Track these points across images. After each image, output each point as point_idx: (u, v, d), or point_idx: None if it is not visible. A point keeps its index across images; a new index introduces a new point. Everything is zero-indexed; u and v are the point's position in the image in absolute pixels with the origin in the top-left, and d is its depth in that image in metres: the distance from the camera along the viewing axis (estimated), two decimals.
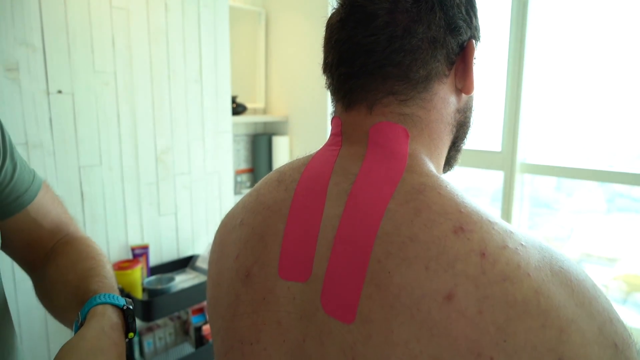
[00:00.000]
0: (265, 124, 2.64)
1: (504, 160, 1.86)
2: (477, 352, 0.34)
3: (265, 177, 0.54)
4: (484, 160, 1.93)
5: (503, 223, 0.40)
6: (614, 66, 1.62)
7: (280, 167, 0.54)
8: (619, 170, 1.59)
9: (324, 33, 0.51)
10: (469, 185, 2.28)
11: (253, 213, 0.50)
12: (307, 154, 0.53)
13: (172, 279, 1.54)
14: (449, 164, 0.54)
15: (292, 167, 0.51)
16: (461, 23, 0.47)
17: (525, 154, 1.85)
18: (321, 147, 0.52)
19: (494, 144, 1.91)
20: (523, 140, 1.83)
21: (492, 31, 1.89)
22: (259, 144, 2.55)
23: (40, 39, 1.36)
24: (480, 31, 0.51)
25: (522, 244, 0.38)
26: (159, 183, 1.69)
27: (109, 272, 0.61)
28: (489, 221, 0.39)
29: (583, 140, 1.90)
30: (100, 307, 0.53)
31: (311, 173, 0.48)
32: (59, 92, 1.41)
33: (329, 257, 0.42)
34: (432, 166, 0.47)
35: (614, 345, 0.35)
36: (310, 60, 2.38)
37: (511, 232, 0.39)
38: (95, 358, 0.47)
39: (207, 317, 0.59)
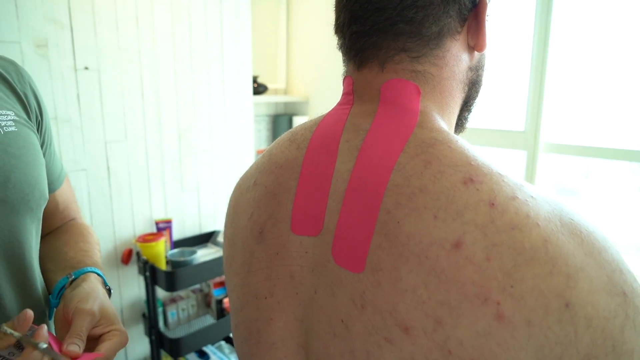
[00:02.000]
0: (286, 104, 2.65)
1: (527, 139, 1.83)
2: (484, 297, 0.35)
3: (277, 139, 0.55)
4: (507, 139, 1.90)
5: (514, 176, 0.40)
6: None
7: (293, 128, 0.55)
8: None
9: None
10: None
11: (266, 173, 0.51)
12: (321, 115, 0.54)
13: (194, 252, 1.58)
14: (460, 124, 0.54)
15: (304, 127, 0.52)
16: None
17: (548, 133, 1.81)
18: (333, 106, 0.52)
19: (518, 123, 1.88)
20: (546, 120, 1.79)
21: (517, 8, 1.84)
22: (280, 124, 2.56)
23: (67, 16, 1.39)
24: None
25: (532, 196, 0.39)
26: (182, 159, 1.73)
27: (99, 257, 0.71)
28: (499, 174, 0.40)
29: (609, 120, 1.84)
30: (95, 275, 0.63)
31: (323, 131, 0.49)
32: (86, 68, 1.45)
33: (339, 210, 0.43)
34: (444, 123, 0.47)
35: (623, 294, 0.35)
36: (332, 40, 2.34)
37: (521, 185, 0.39)
38: (97, 298, 0.57)
39: (225, 276, 0.61)
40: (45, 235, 0.70)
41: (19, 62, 1.30)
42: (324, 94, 2.45)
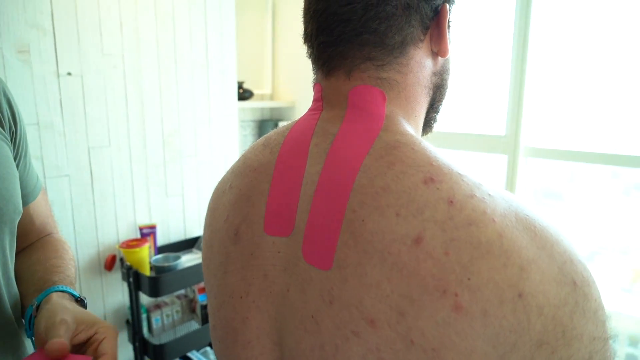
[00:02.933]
0: (271, 109, 2.67)
1: (508, 144, 1.86)
2: (443, 289, 0.37)
3: (253, 144, 0.57)
4: (488, 144, 1.93)
5: (473, 176, 0.42)
6: (620, 46, 1.61)
7: (268, 134, 0.56)
8: (626, 154, 1.59)
9: (303, 4, 0.53)
10: (475, 170, 2.27)
11: (240, 176, 0.53)
12: (293, 120, 0.56)
13: (178, 257, 1.59)
14: (428, 125, 0.57)
15: (277, 132, 0.54)
16: None
17: (529, 138, 1.85)
18: (304, 112, 0.54)
19: (498, 128, 1.91)
20: (527, 124, 1.83)
21: (496, 13, 1.88)
22: (266, 130, 2.58)
23: (50, 22, 1.39)
24: None
25: (489, 194, 0.41)
26: (167, 165, 1.73)
27: (72, 272, 0.68)
28: (459, 173, 0.42)
29: (588, 124, 1.89)
30: (57, 293, 0.59)
31: (294, 136, 0.51)
32: (69, 74, 1.45)
33: (309, 210, 0.45)
34: (409, 126, 0.49)
35: (573, 283, 0.37)
36: None
37: (480, 184, 0.41)
38: (65, 309, 0.53)
39: (203, 277, 0.62)
40: (19, 252, 0.68)
41: None
42: (309, 100, 2.45)
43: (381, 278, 0.39)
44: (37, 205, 0.70)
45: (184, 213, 1.81)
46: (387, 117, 0.48)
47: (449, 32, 0.51)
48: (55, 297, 0.57)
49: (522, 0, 1.74)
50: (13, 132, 0.62)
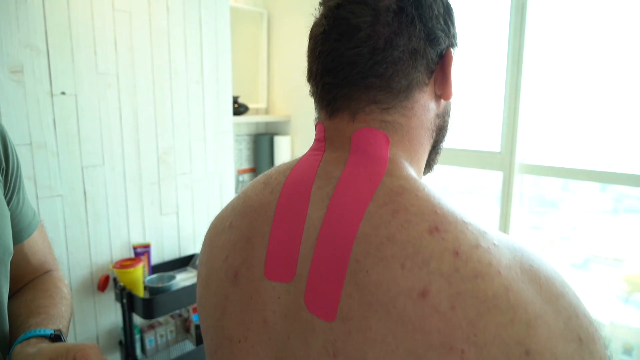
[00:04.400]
0: (267, 123, 2.67)
1: (503, 160, 1.87)
2: (449, 345, 0.36)
3: (253, 181, 0.56)
4: (483, 160, 1.94)
5: (477, 224, 0.42)
6: (613, 65, 1.62)
7: (268, 171, 0.56)
8: (619, 171, 1.60)
9: (308, 43, 0.53)
10: (475, 185, 2.29)
11: (241, 216, 0.52)
12: (294, 159, 0.55)
13: (173, 278, 1.56)
14: (429, 165, 0.57)
15: (278, 170, 0.53)
16: (440, 33, 0.49)
17: (524, 154, 1.86)
18: (306, 151, 0.54)
19: (493, 144, 1.92)
20: (522, 141, 1.84)
21: (490, 30, 1.90)
22: (261, 144, 2.57)
23: (44, 41, 1.38)
24: (458, 37, 0.53)
25: (494, 244, 0.40)
26: (161, 183, 1.72)
27: (60, 311, 0.63)
28: (464, 222, 0.41)
29: (583, 141, 1.91)
30: (20, 344, 0.54)
31: (295, 177, 0.50)
32: (63, 93, 1.44)
33: (311, 258, 0.44)
34: (412, 170, 0.48)
35: (578, 339, 0.37)
36: None
37: (484, 232, 0.41)
38: (30, 356, 0.50)
39: (198, 315, 0.61)
40: (16, 291, 0.65)
41: None
42: (304, 114, 2.47)
43: (386, 332, 0.38)
44: (34, 243, 0.67)
45: (178, 231, 1.80)
46: (390, 160, 0.47)
47: (452, 75, 0.51)
48: (19, 348, 0.53)
49: (516, 18, 1.75)
50: (4, 168, 0.60)
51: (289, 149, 2.53)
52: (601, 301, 1.80)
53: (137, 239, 1.66)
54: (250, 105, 2.49)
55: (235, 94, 2.30)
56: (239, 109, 2.34)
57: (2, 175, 0.60)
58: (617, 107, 1.66)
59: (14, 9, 1.31)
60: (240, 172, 2.56)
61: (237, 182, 2.44)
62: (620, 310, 1.77)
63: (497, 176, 1.92)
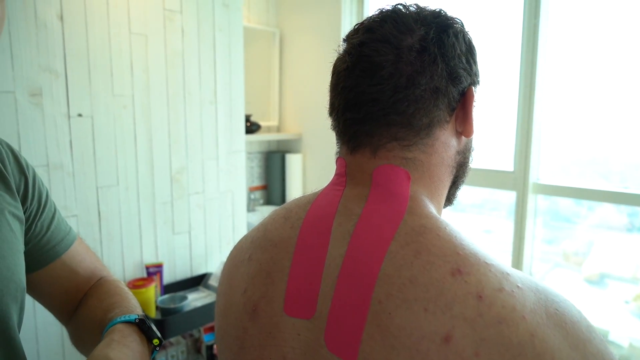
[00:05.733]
0: (278, 141, 2.68)
1: (516, 180, 1.86)
2: None
3: (272, 213, 0.56)
4: (496, 180, 1.93)
5: (500, 265, 0.41)
6: (628, 84, 1.61)
7: (287, 204, 0.56)
8: (634, 192, 1.58)
9: (330, 78, 0.53)
10: (487, 198, 2.27)
11: (261, 249, 0.52)
12: (313, 191, 0.55)
13: (184, 298, 1.56)
14: (449, 200, 0.56)
15: (298, 204, 0.53)
16: (462, 72, 0.49)
17: (538, 173, 1.84)
18: (326, 185, 0.54)
19: (506, 163, 1.91)
20: (535, 161, 1.83)
21: (503, 51, 1.90)
22: (273, 162, 2.58)
23: (62, 65, 1.41)
24: (480, 75, 0.53)
25: (518, 286, 0.40)
26: (174, 202, 1.73)
27: (132, 303, 0.64)
28: (486, 263, 0.41)
29: (597, 160, 1.89)
30: (111, 329, 0.56)
31: (316, 212, 0.50)
32: (79, 115, 1.46)
33: (332, 296, 0.44)
34: (433, 207, 0.48)
35: None
36: (323, 79, 2.41)
37: (507, 274, 0.40)
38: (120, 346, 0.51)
39: (216, 346, 0.60)
40: (78, 306, 0.66)
41: (12, 111, 1.32)
42: (316, 132, 2.49)
43: None
44: (75, 254, 0.68)
45: (190, 250, 1.80)
46: (411, 198, 0.47)
47: (473, 113, 0.52)
48: (105, 340, 0.53)
49: (528, 37, 1.75)
50: (22, 191, 0.61)
51: (300, 167, 2.54)
52: (618, 319, 1.77)
53: (150, 259, 1.67)
54: (262, 123, 2.51)
55: (248, 113, 2.32)
56: (251, 128, 2.36)
57: (23, 202, 0.61)
58: (632, 126, 1.64)
59: (34, 34, 1.35)
60: (252, 190, 2.57)
61: (249, 200, 2.45)
62: (638, 328, 1.73)
63: (511, 195, 1.90)
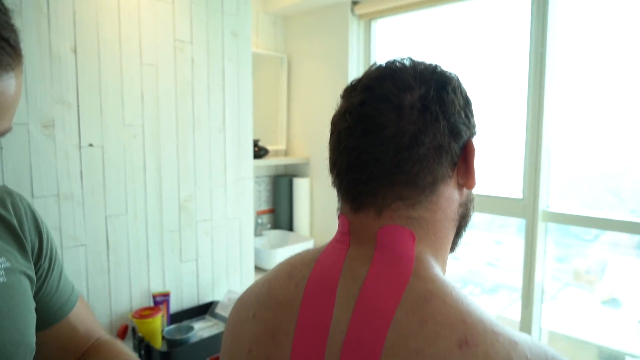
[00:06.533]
0: (286, 165, 2.69)
1: (526, 207, 1.84)
2: None
3: (276, 268, 0.56)
4: (505, 207, 1.91)
5: (508, 333, 0.41)
6: (637, 102, 1.60)
7: (292, 259, 0.55)
8: None
9: (330, 136, 0.53)
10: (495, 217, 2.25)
11: (265, 307, 0.52)
12: (317, 247, 0.55)
13: (191, 329, 1.56)
14: (451, 249, 0.56)
15: (302, 261, 0.53)
16: (462, 127, 0.49)
17: (547, 200, 1.83)
18: (329, 242, 0.54)
19: (516, 190, 1.90)
20: (544, 187, 1.81)
21: (511, 76, 1.90)
22: (280, 185, 2.59)
23: (75, 96, 1.44)
24: (477, 126, 0.54)
25: (526, 357, 0.39)
26: (182, 230, 1.73)
27: None
28: (494, 332, 0.40)
29: (607, 176, 1.87)
30: None
31: (321, 272, 0.50)
32: (90, 145, 1.48)
33: None
34: (438, 267, 0.48)
35: None
36: (331, 103, 2.42)
37: (515, 343, 0.40)
38: None
39: None
40: None
41: (24, 142, 1.34)
42: (324, 156, 2.47)
43: None
44: (78, 313, 0.70)
45: (197, 278, 1.80)
46: (416, 259, 0.47)
47: (474, 165, 0.52)
48: None
49: (535, 64, 1.76)
50: (38, 252, 0.62)
51: (307, 192, 2.54)
52: (632, 339, 1.73)
53: (157, 287, 1.67)
54: (270, 147, 2.53)
55: (256, 137, 2.34)
56: (259, 152, 2.37)
57: (36, 261, 0.62)
58: None
59: (48, 67, 1.38)
60: (259, 214, 2.57)
61: (256, 224, 2.45)
62: None
63: (520, 223, 1.88)
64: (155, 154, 1.64)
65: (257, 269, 2.15)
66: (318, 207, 2.53)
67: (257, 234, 2.43)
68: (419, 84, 0.48)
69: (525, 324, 1.82)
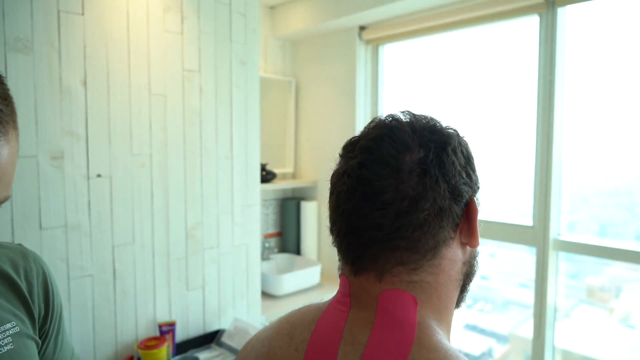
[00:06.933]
0: (294, 189, 2.69)
1: (536, 235, 1.81)
2: None
3: (277, 325, 0.55)
4: (515, 234, 1.88)
5: None
6: None
7: (292, 317, 0.54)
8: None
9: (329, 196, 0.52)
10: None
11: None
12: (319, 303, 0.54)
13: (196, 359, 1.54)
14: (457, 305, 0.55)
15: (302, 321, 0.52)
16: (463, 187, 0.48)
17: (558, 229, 1.79)
18: (331, 301, 0.52)
19: (526, 218, 1.87)
20: (555, 215, 1.78)
21: (519, 101, 1.89)
22: (288, 208, 2.58)
23: (84, 128, 1.46)
24: (479, 182, 0.52)
25: None
26: (188, 258, 1.73)
27: None
28: None
29: (620, 192, 1.84)
30: None
31: (321, 336, 0.49)
32: (98, 175, 1.50)
33: None
34: (443, 332, 0.47)
35: None
36: (339, 127, 2.44)
37: None
38: None
39: None
40: None
41: (33, 174, 1.36)
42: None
43: None
44: None
45: (203, 306, 1.79)
46: (419, 325, 0.45)
47: (477, 224, 0.50)
48: None
49: (544, 89, 1.75)
50: (44, 316, 0.62)
51: (315, 215, 2.53)
52: None
53: (163, 316, 1.66)
54: (278, 170, 2.53)
55: (263, 161, 2.35)
56: (267, 176, 2.38)
57: (42, 325, 0.62)
58: None
59: (58, 100, 1.40)
60: (267, 237, 2.57)
61: (264, 248, 2.44)
62: None
63: (531, 252, 1.85)
64: (162, 182, 1.65)
65: (264, 294, 2.13)
66: (325, 231, 2.51)
67: (264, 257, 2.41)
68: (417, 145, 0.47)
69: (539, 344, 1.78)
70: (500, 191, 2.08)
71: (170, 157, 1.67)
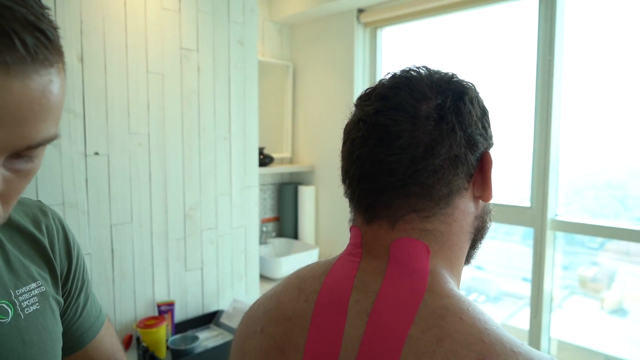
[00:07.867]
0: (291, 173, 2.68)
1: (534, 216, 1.82)
2: None
3: (285, 281, 0.55)
4: (513, 215, 1.89)
5: (528, 353, 0.39)
6: None
7: (301, 272, 0.54)
8: None
9: (342, 145, 0.52)
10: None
11: (274, 323, 0.50)
12: (328, 258, 0.53)
13: (196, 338, 1.54)
14: (467, 261, 0.54)
15: (312, 274, 0.52)
16: (479, 138, 0.48)
17: (556, 209, 1.80)
18: (341, 254, 0.52)
19: (523, 199, 1.87)
20: (552, 196, 1.79)
21: (518, 83, 1.89)
22: (285, 193, 2.58)
23: (81, 105, 1.44)
24: (493, 137, 0.52)
25: None
26: (187, 238, 1.72)
27: None
28: (513, 352, 0.39)
29: (613, 185, 1.85)
30: None
31: (331, 285, 0.48)
32: (96, 153, 1.48)
33: None
34: (453, 281, 0.47)
35: None
36: (337, 111, 2.43)
37: None
38: None
39: None
40: None
41: None
42: (328, 164, 2.48)
43: None
44: (100, 343, 0.67)
45: (202, 287, 1.78)
46: (431, 273, 0.45)
47: (491, 177, 0.50)
48: None
49: (543, 71, 1.74)
50: (67, 274, 0.60)
51: (313, 199, 2.52)
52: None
53: (162, 296, 1.66)
54: (275, 155, 2.52)
55: (261, 145, 2.34)
56: (265, 160, 2.36)
57: (64, 284, 0.59)
58: None
59: None
60: (264, 222, 2.56)
61: (261, 232, 2.44)
62: None
63: (525, 231, 1.86)
64: (160, 162, 1.64)
65: (262, 277, 2.13)
66: (323, 215, 2.52)
67: (262, 242, 2.41)
68: (435, 93, 0.47)
69: (535, 334, 1.79)
70: (498, 173, 2.08)
71: (168, 137, 1.66)
